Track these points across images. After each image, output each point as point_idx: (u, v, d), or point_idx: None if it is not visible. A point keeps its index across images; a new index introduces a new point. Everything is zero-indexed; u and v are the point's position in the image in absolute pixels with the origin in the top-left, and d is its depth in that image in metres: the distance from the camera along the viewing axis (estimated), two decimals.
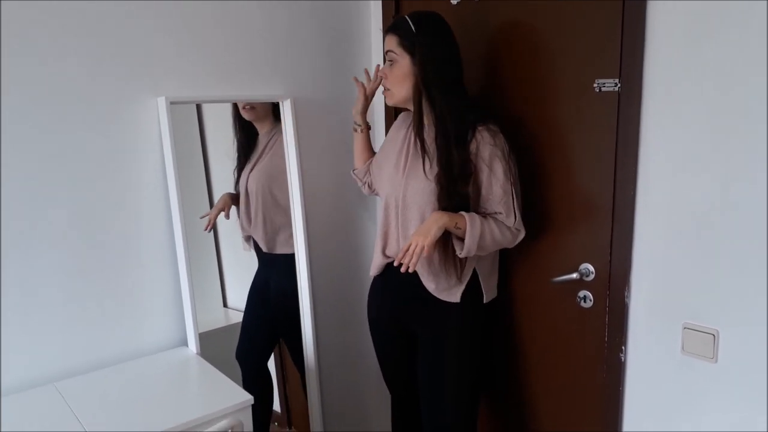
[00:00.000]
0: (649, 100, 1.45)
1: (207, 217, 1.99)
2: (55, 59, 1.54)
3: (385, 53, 1.66)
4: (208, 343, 1.84)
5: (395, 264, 1.58)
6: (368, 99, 1.91)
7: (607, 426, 1.65)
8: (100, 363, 1.70)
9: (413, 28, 1.59)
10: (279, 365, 2.30)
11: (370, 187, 2.00)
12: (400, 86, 1.64)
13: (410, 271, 1.54)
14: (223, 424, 1.41)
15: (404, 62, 1.62)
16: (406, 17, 1.62)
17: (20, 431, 1.39)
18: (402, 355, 1.85)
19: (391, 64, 1.65)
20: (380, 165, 1.85)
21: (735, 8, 1.28)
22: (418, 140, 1.64)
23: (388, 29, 1.66)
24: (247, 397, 1.52)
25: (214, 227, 2.04)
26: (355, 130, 1.97)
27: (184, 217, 1.76)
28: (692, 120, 1.38)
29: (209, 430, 1.39)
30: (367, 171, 1.99)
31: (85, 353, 1.68)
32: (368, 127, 1.98)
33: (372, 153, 2.00)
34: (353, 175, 2.04)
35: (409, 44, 1.60)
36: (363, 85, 1.88)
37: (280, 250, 2.10)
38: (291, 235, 2.07)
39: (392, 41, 1.63)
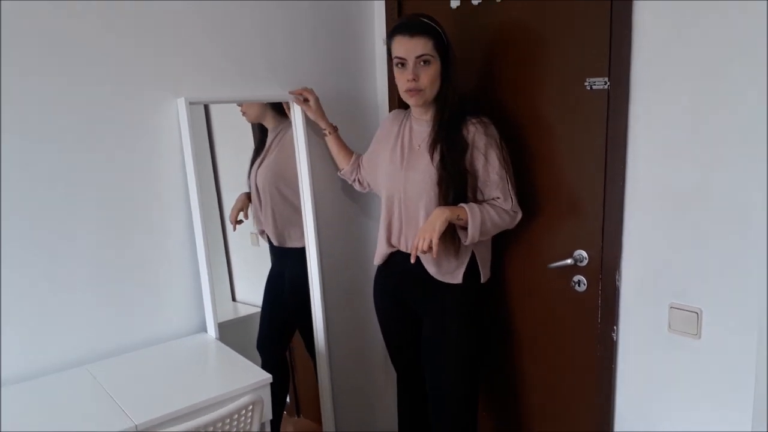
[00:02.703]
0: (635, 97, 1.57)
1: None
2: (87, 63, 1.66)
3: (419, 56, 1.68)
4: (220, 334, 1.94)
5: (412, 261, 1.69)
6: (314, 107, 2.05)
7: (602, 400, 1.77)
8: (127, 347, 1.82)
9: (441, 31, 1.70)
10: (289, 357, 2.40)
11: (361, 182, 2.11)
12: (432, 86, 1.72)
13: (429, 253, 1.65)
14: (245, 399, 1.52)
15: (437, 64, 1.71)
16: (427, 21, 1.70)
17: (62, 407, 1.52)
18: (406, 335, 1.98)
19: (425, 66, 1.70)
20: (374, 161, 1.97)
21: (714, 12, 1.39)
22: (432, 133, 1.75)
23: (416, 32, 1.68)
24: (266, 376, 1.64)
25: (223, 226, 2.13)
26: (325, 135, 2.11)
27: (203, 211, 1.87)
28: (675, 115, 1.50)
29: (232, 405, 1.51)
30: (355, 168, 2.11)
31: (114, 339, 1.80)
32: (335, 129, 2.11)
33: (349, 151, 2.13)
34: (340, 175, 2.17)
35: (442, 47, 1.70)
36: (302, 101, 2.04)
37: (290, 244, 2.20)
38: (300, 231, 2.17)
39: (428, 45, 1.68)
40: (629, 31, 1.55)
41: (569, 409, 1.89)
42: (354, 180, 2.14)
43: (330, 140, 2.12)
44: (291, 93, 2.04)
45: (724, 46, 1.39)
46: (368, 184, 2.09)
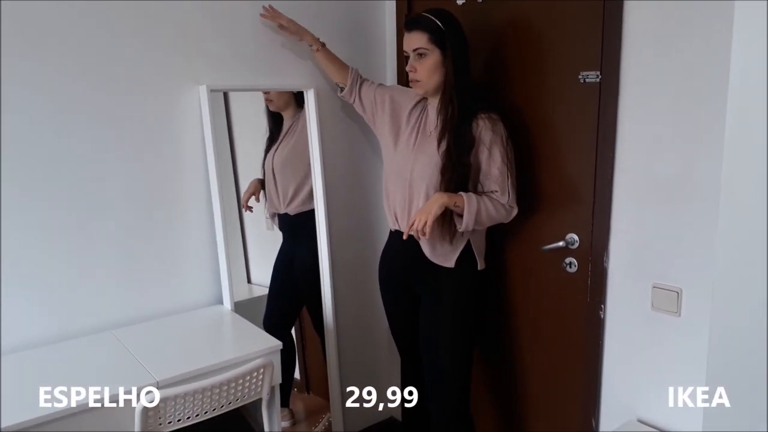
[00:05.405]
0: (624, 90, 1.67)
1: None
2: (118, 52, 1.81)
3: (414, 49, 1.82)
4: (235, 312, 2.07)
5: (404, 238, 1.82)
6: (292, 28, 2.04)
7: (589, 373, 1.89)
8: (149, 316, 1.97)
9: (441, 26, 1.80)
10: (299, 337, 2.53)
11: (363, 106, 2.13)
12: (430, 77, 1.84)
13: (423, 235, 1.76)
14: (257, 362, 1.66)
15: (435, 56, 1.81)
16: (430, 16, 1.81)
17: (91, 364, 1.66)
18: (407, 311, 2.10)
19: (420, 58, 1.82)
20: (390, 106, 2.03)
21: (697, 13, 1.49)
22: (439, 122, 1.86)
23: (413, 27, 1.82)
24: (277, 343, 1.77)
25: (240, 211, 2.26)
26: (315, 51, 2.11)
27: (222, 191, 2.01)
28: (659, 107, 1.60)
29: (245, 366, 1.64)
30: (354, 88, 2.11)
31: (137, 307, 1.95)
32: (323, 44, 2.11)
33: (342, 64, 2.14)
34: (340, 96, 2.18)
35: (439, 40, 1.80)
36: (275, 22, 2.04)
37: (298, 210, 2.29)
38: (308, 193, 2.27)
39: (422, 38, 1.80)
40: (620, 27, 1.65)
41: (560, 381, 2.01)
42: (354, 100, 2.15)
43: (319, 56, 2.12)
44: (262, 17, 2.03)
45: (708, 46, 1.49)
46: (372, 115, 2.11)
